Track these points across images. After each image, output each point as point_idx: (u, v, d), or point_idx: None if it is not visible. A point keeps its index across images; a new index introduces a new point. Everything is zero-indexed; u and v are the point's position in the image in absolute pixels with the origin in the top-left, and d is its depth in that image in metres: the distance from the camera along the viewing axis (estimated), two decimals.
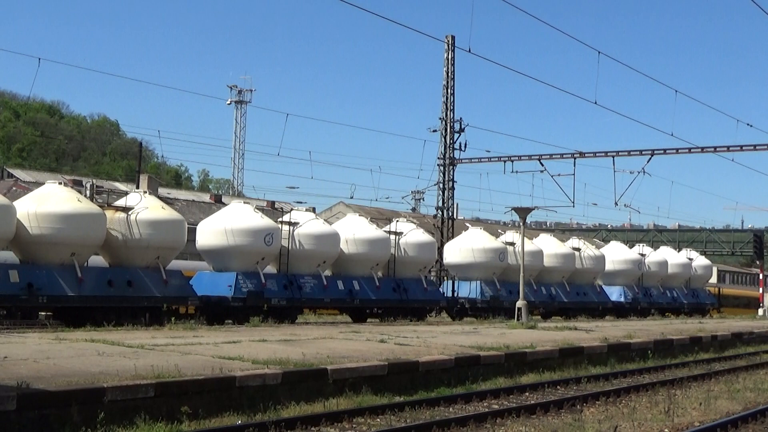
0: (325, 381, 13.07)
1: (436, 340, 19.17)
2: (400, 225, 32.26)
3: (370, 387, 13.58)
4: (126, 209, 23.43)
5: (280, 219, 27.70)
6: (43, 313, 26.02)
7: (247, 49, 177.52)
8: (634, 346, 22.02)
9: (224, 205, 46.68)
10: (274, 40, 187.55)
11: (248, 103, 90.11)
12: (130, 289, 22.74)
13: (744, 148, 40.64)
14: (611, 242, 48.45)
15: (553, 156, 43.53)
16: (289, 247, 27.04)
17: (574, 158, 42.87)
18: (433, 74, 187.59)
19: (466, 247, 35.77)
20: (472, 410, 12.99)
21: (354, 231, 29.71)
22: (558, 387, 16.16)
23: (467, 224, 40.92)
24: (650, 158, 41.45)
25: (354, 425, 11.39)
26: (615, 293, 43.17)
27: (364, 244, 29.52)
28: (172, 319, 22.59)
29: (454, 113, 44.37)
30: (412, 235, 31.85)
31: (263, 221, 26.42)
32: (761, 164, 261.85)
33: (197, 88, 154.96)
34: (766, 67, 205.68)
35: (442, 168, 44.54)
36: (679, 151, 42.03)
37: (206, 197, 57.54)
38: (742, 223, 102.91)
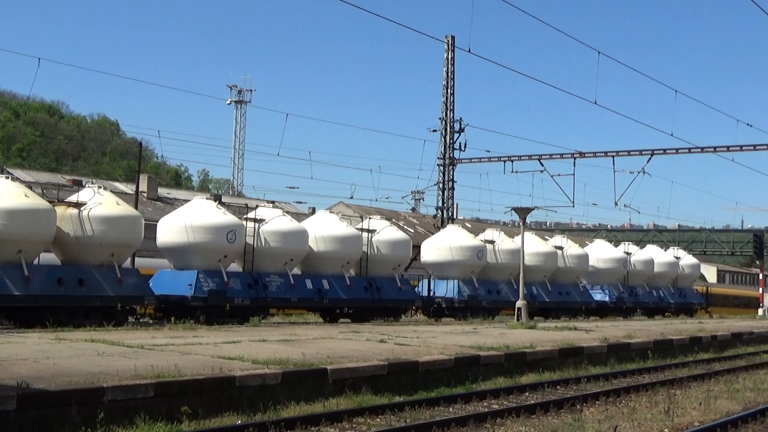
0: (324, 381, 13.07)
1: (436, 340, 19.17)
2: (373, 222, 31.40)
3: (370, 387, 13.58)
4: (78, 205, 22.38)
5: (244, 215, 26.91)
6: None
7: (247, 49, 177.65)
8: (633, 346, 22.02)
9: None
10: (274, 40, 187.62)
11: (248, 102, 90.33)
12: (82, 288, 21.74)
13: (744, 148, 40.66)
14: (596, 240, 46.95)
15: (553, 156, 43.54)
16: (255, 245, 26.22)
17: (574, 158, 42.89)
18: (433, 74, 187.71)
19: (443, 245, 34.83)
20: (472, 410, 12.99)
21: (323, 228, 28.83)
22: (558, 387, 16.15)
23: (467, 224, 40.94)
24: (650, 158, 41.47)
25: (354, 425, 11.39)
26: (599, 293, 42.05)
27: (334, 241, 28.66)
28: (174, 319, 22.53)
29: (454, 113, 44.40)
30: (386, 232, 31.00)
31: (226, 218, 25.55)
32: (761, 164, 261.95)
33: (197, 88, 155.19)
34: (766, 67, 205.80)
35: (441, 168, 44.54)
36: (679, 151, 42.05)
37: (206, 197, 57.37)
38: (742, 223, 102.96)
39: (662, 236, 74.43)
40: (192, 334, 18.17)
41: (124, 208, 23.42)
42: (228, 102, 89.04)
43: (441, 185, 44.52)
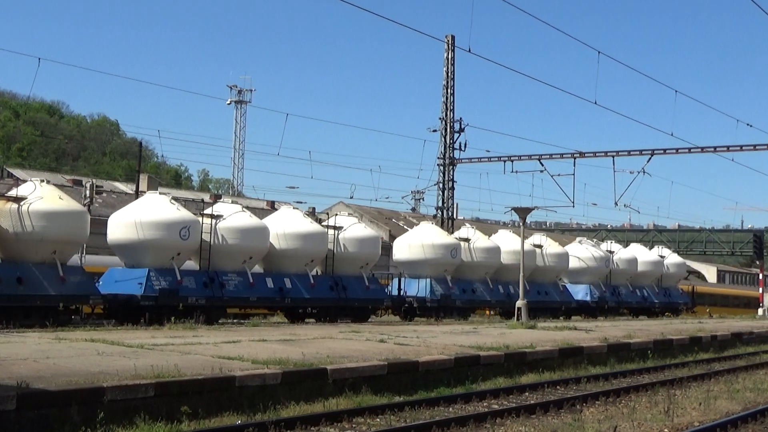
0: (324, 381, 13.07)
1: (435, 340, 19.17)
2: (340, 219, 30.38)
3: (370, 387, 13.58)
4: (18, 199, 21.40)
5: (200, 211, 25.84)
6: None
7: (247, 49, 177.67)
8: (633, 346, 22.02)
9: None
10: (274, 40, 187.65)
11: (248, 102, 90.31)
12: (21, 287, 20.70)
13: (744, 148, 40.63)
14: (577, 238, 45.57)
15: (553, 156, 43.52)
16: (211, 242, 25.17)
17: (574, 158, 42.87)
18: (433, 74, 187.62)
19: (415, 242, 33.71)
20: (472, 410, 12.99)
21: (286, 225, 27.75)
22: (558, 387, 16.15)
23: (467, 224, 40.64)
24: (650, 158, 41.45)
25: (354, 425, 11.39)
26: (580, 292, 40.88)
27: (297, 238, 27.53)
28: (174, 319, 22.46)
29: (454, 113, 44.37)
30: (353, 229, 29.84)
31: (179, 213, 24.45)
32: (761, 164, 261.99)
33: (197, 88, 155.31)
34: (766, 67, 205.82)
35: (441, 168, 44.53)
36: (679, 151, 42.03)
37: (206, 197, 57.42)
38: (742, 223, 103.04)
39: (662, 236, 74.49)
40: (192, 333, 18.17)
41: (67, 203, 22.34)
42: (228, 102, 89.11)
43: (441, 185, 44.51)
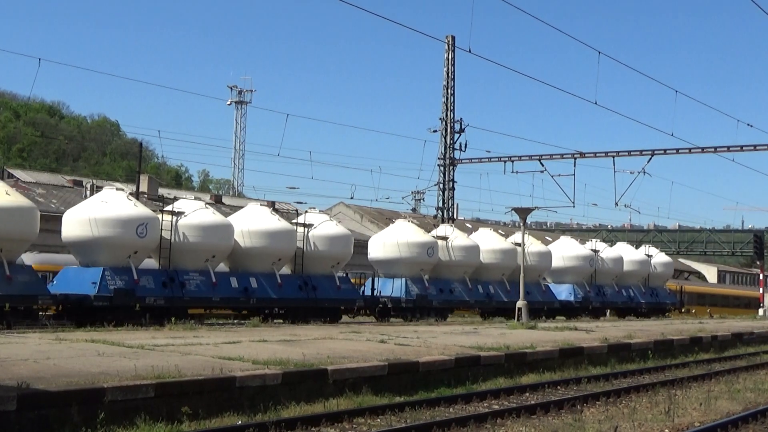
0: (325, 381, 13.07)
1: (436, 340, 19.17)
2: (310, 216, 29.27)
3: (371, 387, 13.58)
4: None
5: (160, 208, 24.95)
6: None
7: (248, 50, 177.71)
8: (634, 347, 22.01)
9: (224, 205, 45.89)
10: (274, 40, 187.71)
11: (248, 103, 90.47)
12: None
13: (744, 148, 40.69)
14: (561, 237, 44.21)
15: (554, 156, 43.59)
16: (172, 240, 24.25)
17: (575, 158, 42.94)
18: (433, 74, 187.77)
19: (391, 241, 32.45)
20: (473, 410, 12.99)
21: (252, 222, 26.73)
22: (558, 387, 16.15)
23: (467, 224, 40.59)
24: (650, 158, 41.52)
25: (354, 425, 11.39)
26: (564, 292, 39.67)
27: (264, 236, 26.49)
28: (174, 320, 22.43)
29: (454, 113, 44.44)
30: (324, 227, 28.72)
31: (136, 210, 23.56)
32: (761, 164, 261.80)
33: (197, 89, 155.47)
34: (766, 67, 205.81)
35: (442, 168, 44.57)
36: (680, 151, 42.08)
37: (207, 197, 57.46)
38: (743, 223, 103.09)
39: (662, 236, 74.55)
40: (192, 334, 18.17)
41: (14, 199, 21.46)
42: (228, 102, 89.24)
43: (441, 185, 44.55)
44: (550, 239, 44.60)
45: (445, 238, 33.74)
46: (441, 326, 26.59)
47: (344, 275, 30.10)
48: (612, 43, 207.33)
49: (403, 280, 31.70)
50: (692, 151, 41.94)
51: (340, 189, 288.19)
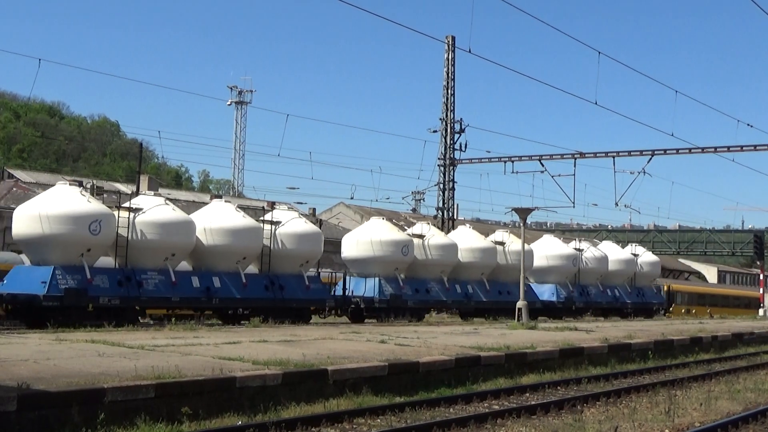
0: (325, 381, 13.07)
1: (436, 340, 19.17)
2: (278, 213, 28.28)
3: (371, 387, 13.58)
4: None
5: (116, 204, 23.92)
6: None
7: (248, 50, 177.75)
8: (634, 347, 22.01)
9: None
10: (274, 40, 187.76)
11: (248, 103, 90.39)
12: None
13: (744, 148, 40.71)
14: (544, 236, 43.06)
15: (554, 156, 43.61)
16: (129, 237, 23.32)
17: (575, 158, 42.96)
18: (434, 75, 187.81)
19: (364, 239, 31.46)
20: (473, 411, 12.99)
21: (215, 219, 25.81)
22: (558, 387, 16.15)
23: (467, 225, 40.34)
24: (650, 158, 41.53)
25: (354, 426, 11.39)
26: (546, 292, 38.66)
27: (227, 234, 25.58)
28: (172, 320, 22.48)
29: (454, 114, 44.46)
30: (292, 224, 27.75)
31: (90, 206, 22.61)
32: (761, 164, 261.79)
33: (197, 89, 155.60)
34: (766, 67, 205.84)
35: (442, 168, 44.59)
36: (680, 151, 42.09)
37: (206, 198, 57.44)
38: (743, 223, 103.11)
39: (663, 237, 74.60)
40: (192, 334, 18.18)
41: None
42: (228, 103, 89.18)
43: (441, 186, 44.57)
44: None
45: (421, 237, 32.86)
46: (441, 326, 26.60)
47: (316, 274, 29.19)
48: (612, 43, 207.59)
49: (377, 279, 30.78)
50: (692, 151, 41.96)
51: (340, 189, 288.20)
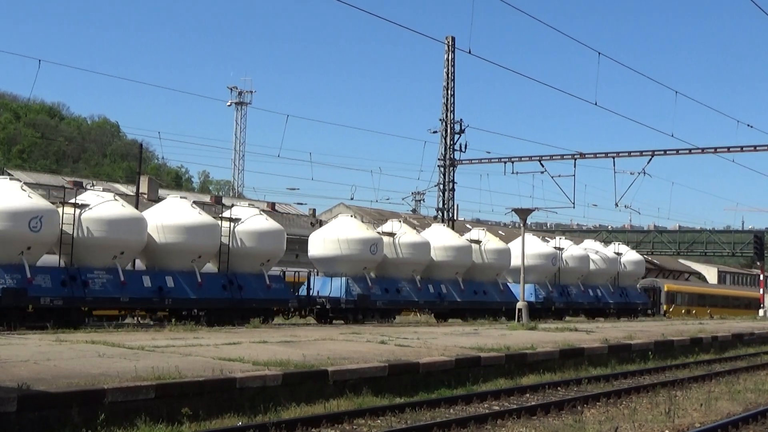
0: (325, 382, 13.07)
1: (436, 341, 19.18)
2: (238, 210, 27.41)
3: (371, 388, 13.58)
4: None
5: (60, 200, 23.01)
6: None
7: (248, 51, 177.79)
8: (634, 347, 22.02)
9: (224, 206, 45.81)
10: (274, 41, 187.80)
11: (248, 104, 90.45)
12: None
13: (744, 148, 40.72)
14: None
15: (554, 157, 43.60)
16: (75, 235, 22.39)
17: (575, 159, 42.95)
18: (434, 75, 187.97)
19: (331, 237, 30.41)
20: (473, 411, 12.99)
21: (168, 216, 24.92)
22: (558, 388, 16.15)
23: (468, 225, 40.34)
24: (650, 159, 41.52)
25: (354, 426, 11.39)
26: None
27: (181, 231, 24.63)
28: (173, 320, 22.49)
29: (454, 114, 44.45)
30: (253, 221, 26.85)
31: (29, 201, 21.69)
32: (762, 165, 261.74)
33: (197, 90, 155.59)
34: (766, 67, 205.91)
35: (442, 169, 44.58)
36: (680, 152, 42.08)
37: (206, 199, 57.53)
38: (743, 223, 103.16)
39: (663, 237, 74.57)
40: (192, 335, 18.18)
41: None
42: (228, 103, 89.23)
43: (441, 186, 44.56)
44: (551, 240, 42.82)
45: (391, 235, 31.92)
46: (441, 327, 26.61)
47: (279, 274, 28.50)
48: (612, 43, 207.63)
49: (344, 279, 29.75)
50: (692, 151, 41.95)
51: (341, 190, 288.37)
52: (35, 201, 21.97)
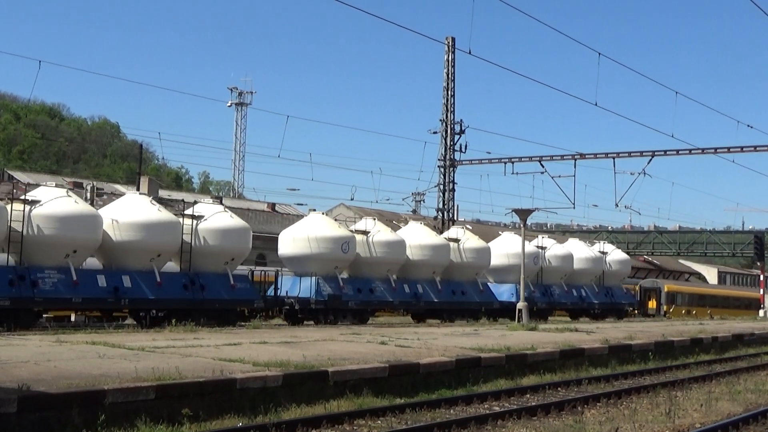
0: (325, 383, 13.07)
1: (436, 341, 19.18)
2: (201, 207, 26.49)
3: (371, 389, 13.58)
4: None
5: (9, 196, 22.16)
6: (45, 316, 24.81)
7: (248, 51, 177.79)
8: (634, 348, 22.02)
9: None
10: (274, 41, 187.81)
11: (249, 105, 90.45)
12: None
13: (744, 149, 40.75)
14: (503, 233, 40.41)
15: (554, 157, 43.64)
16: (24, 233, 21.52)
17: (575, 159, 42.97)
18: (434, 76, 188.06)
19: (301, 235, 29.52)
20: (473, 412, 12.99)
21: (125, 213, 24.05)
22: (559, 388, 16.14)
23: (468, 225, 40.20)
24: (651, 159, 41.55)
25: (355, 427, 11.39)
26: (505, 292, 36.42)
27: (139, 228, 23.76)
28: (173, 321, 22.47)
29: (454, 115, 44.48)
30: (216, 219, 25.98)
31: None
32: (762, 165, 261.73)
33: (198, 90, 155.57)
34: (766, 68, 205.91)
35: (442, 169, 44.60)
36: (680, 152, 42.11)
37: (206, 199, 57.39)
38: (743, 224, 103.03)
39: (663, 237, 74.52)
40: (193, 336, 18.18)
41: None
42: (228, 104, 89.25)
43: (441, 187, 44.59)
44: (554, 240, 42.39)
45: (365, 233, 31.03)
46: (441, 328, 26.61)
47: (246, 273, 27.79)
48: (612, 44, 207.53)
49: (314, 278, 28.79)
50: (692, 152, 41.98)
51: (341, 190, 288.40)
52: None
